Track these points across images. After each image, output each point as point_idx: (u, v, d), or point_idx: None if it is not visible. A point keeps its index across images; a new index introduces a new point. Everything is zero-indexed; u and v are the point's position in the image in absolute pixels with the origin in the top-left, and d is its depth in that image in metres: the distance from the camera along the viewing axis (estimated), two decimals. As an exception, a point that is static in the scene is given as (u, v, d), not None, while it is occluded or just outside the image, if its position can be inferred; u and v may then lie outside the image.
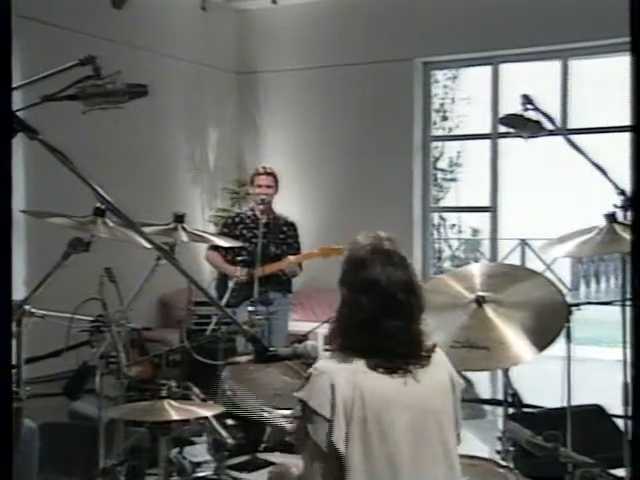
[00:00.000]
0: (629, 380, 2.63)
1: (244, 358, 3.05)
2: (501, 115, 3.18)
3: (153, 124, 7.15)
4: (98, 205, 2.71)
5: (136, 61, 6.35)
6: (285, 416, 2.80)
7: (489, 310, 2.75)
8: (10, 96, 1.07)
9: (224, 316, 3.37)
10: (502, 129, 6.82)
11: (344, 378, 1.83)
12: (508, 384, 2.90)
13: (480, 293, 2.79)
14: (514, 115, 2.99)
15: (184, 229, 3.27)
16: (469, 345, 2.64)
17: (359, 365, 1.87)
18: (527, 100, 2.95)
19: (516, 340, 2.65)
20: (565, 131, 3.70)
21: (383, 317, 1.89)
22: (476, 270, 3.00)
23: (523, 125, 2.97)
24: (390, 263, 1.92)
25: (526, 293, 2.82)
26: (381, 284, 1.89)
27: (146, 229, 2.97)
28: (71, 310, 2.80)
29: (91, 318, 2.90)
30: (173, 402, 2.54)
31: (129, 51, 6.61)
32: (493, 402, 5.55)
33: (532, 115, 2.96)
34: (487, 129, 7.58)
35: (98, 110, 2.20)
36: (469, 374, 5.09)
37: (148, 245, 2.16)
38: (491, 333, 2.68)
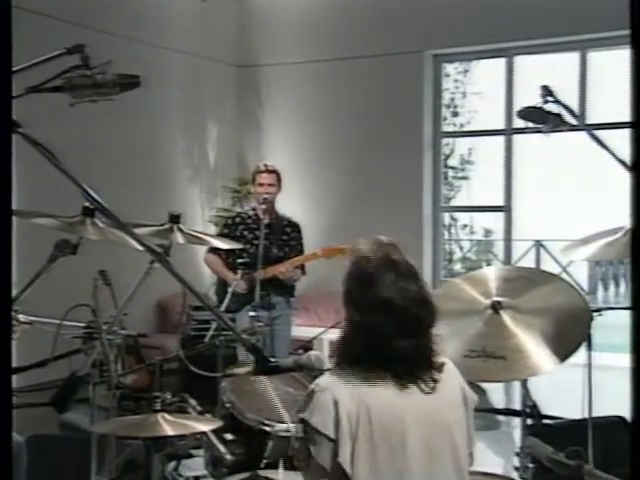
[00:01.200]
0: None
1: (243, 370, 2.93)
2: (516, 110, 3.05)
3: (149, 119, 7.05)
4: (87, 205, 2.58)
5: (132, 53, 6.27)
6: (288, 430, 2.67)
7: (506, 317, 2.63)
8: (10, 95, 1.01)
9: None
10: (516, 125, 6.75)
11: (347, 392, 1.75)
12: (527, 395, 2.75)
13: (496, 298, 2.67)
14: (533, 108, 2.86)
15: (180, 230, 3.11)
16: (485, 354, 2.53)
17: (365, 379, 1.79)
18: (547, 92, 2.80)
19: (535, 349, 2.53)
20: (587, 126, 3.54)
21: (396, 336, 1.80)
22: (492, 274, 2.90)
23: (543, 118, 2.84)
24: (400, 276, 1.82)
25: (545, 298, 2.71)
26: (395, 302, 1.80)
27: (139, 230, 2.84)
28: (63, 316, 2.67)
29: (83, 324, 2.76)
30: (168, 416, 2.43)
31: (125, 43, 6.53)
32: (508, 412, 5.43)
33: (552, 108, 2.82)
34: (500, 125, 7.42)
35: (89, 103, 2.05)
36: (483, 383, 4.96)
37: (140, 247, 2.01)
38: (508, 341, 2.56)
